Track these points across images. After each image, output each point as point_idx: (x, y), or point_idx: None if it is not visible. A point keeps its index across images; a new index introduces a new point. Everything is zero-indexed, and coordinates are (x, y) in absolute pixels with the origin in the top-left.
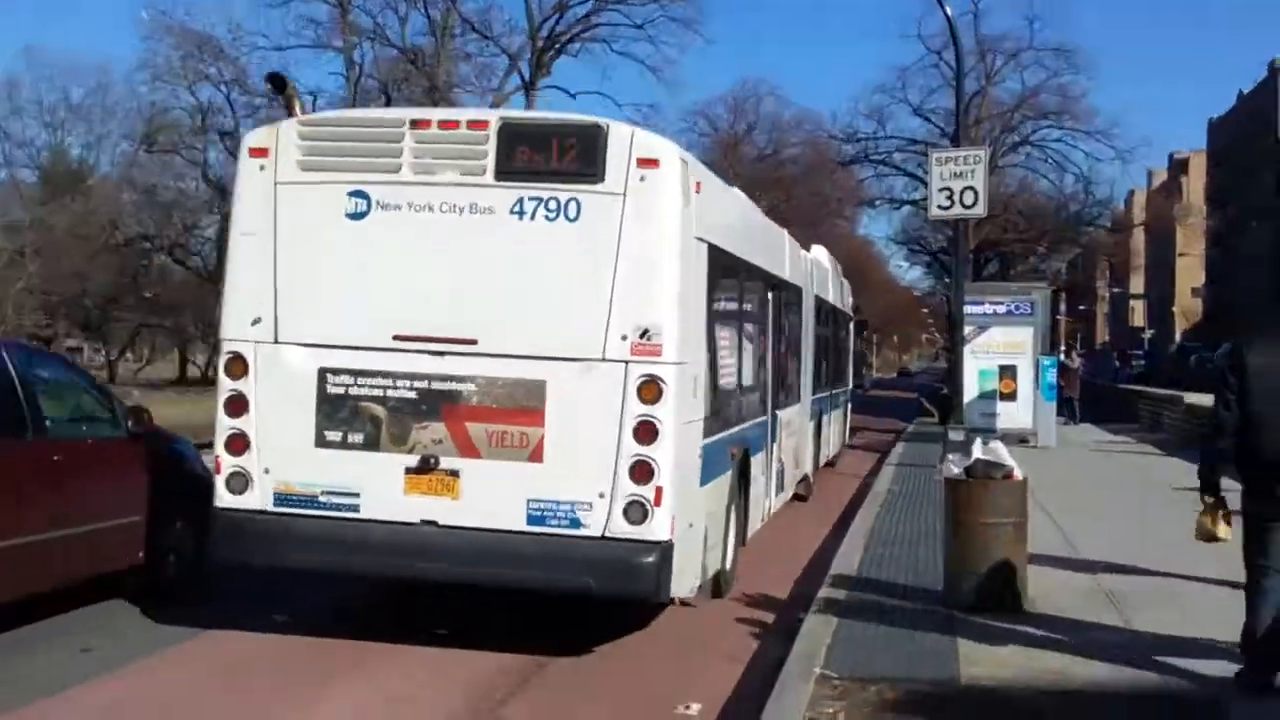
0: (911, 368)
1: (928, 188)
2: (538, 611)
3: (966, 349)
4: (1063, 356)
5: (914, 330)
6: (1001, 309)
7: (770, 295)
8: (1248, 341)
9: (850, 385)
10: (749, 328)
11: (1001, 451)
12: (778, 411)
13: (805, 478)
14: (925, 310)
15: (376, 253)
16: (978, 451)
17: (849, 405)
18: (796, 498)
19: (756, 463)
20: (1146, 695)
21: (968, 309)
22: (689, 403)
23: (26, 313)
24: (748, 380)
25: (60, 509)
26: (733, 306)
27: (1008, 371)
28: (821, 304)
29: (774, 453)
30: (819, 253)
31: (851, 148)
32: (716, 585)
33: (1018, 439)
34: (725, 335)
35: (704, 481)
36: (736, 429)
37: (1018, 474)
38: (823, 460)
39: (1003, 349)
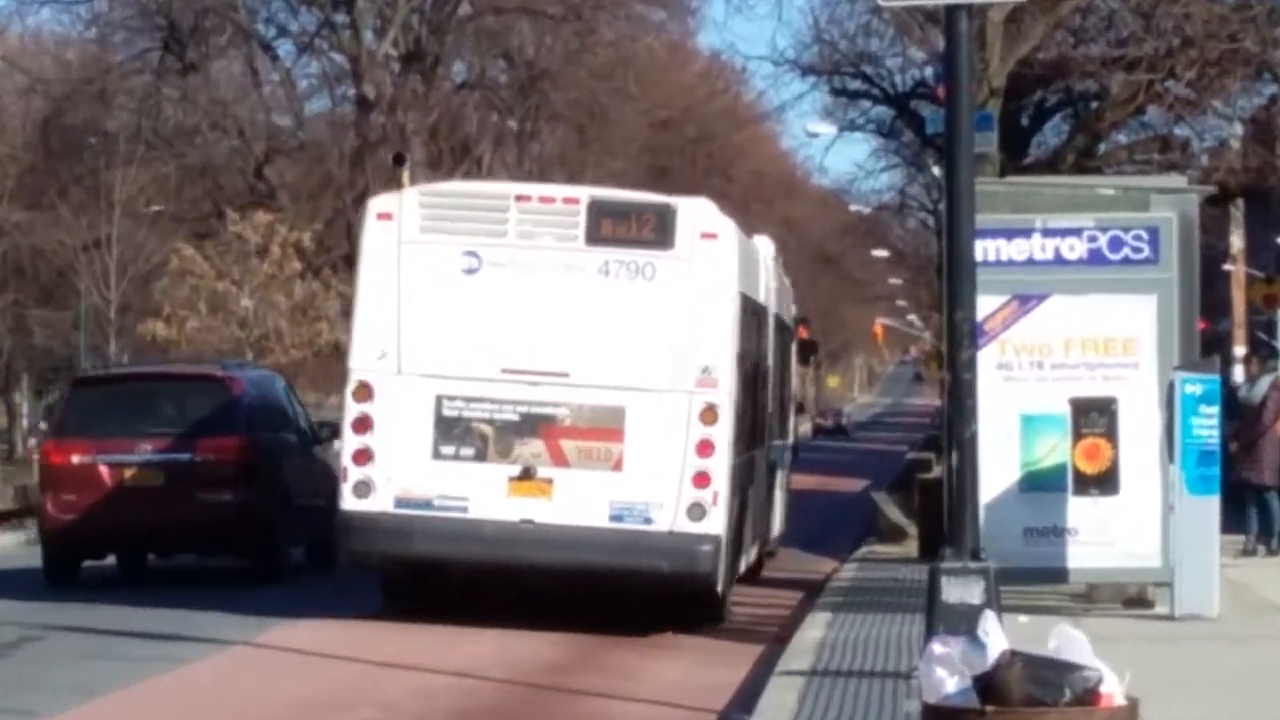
0: (844, 411)
1: None
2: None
3: (987, 353)
4: (1242, 373)
5: (850, 307)
6: (1078, 247)
7: (757, 327)
8: None
9: (792, 438)
10: (750, 362)
11: (1075, 641)
12: (754, 451)
13: (761, 543)
14: (881, 255)
15: (486, 301)
16: (997, 638)
17: (790, 468)
18: (749, 571)
19: (749, 496)
20: None
21: (987, 246)
22: (733, 427)
23: None
24: (748, 413)
25: (319, 487)
26: (746, 343)
27: (1092, 415)
28: (777, 323)
29: (750, 497)
30: (762, 247)
31: None
32: (720, 609)
33: (1122, 596)
34: (742, 370)
35: (731, 496)
36: (744, 457)
37: (1114, 693)
38: (772, 532)
39: (1082, 353)
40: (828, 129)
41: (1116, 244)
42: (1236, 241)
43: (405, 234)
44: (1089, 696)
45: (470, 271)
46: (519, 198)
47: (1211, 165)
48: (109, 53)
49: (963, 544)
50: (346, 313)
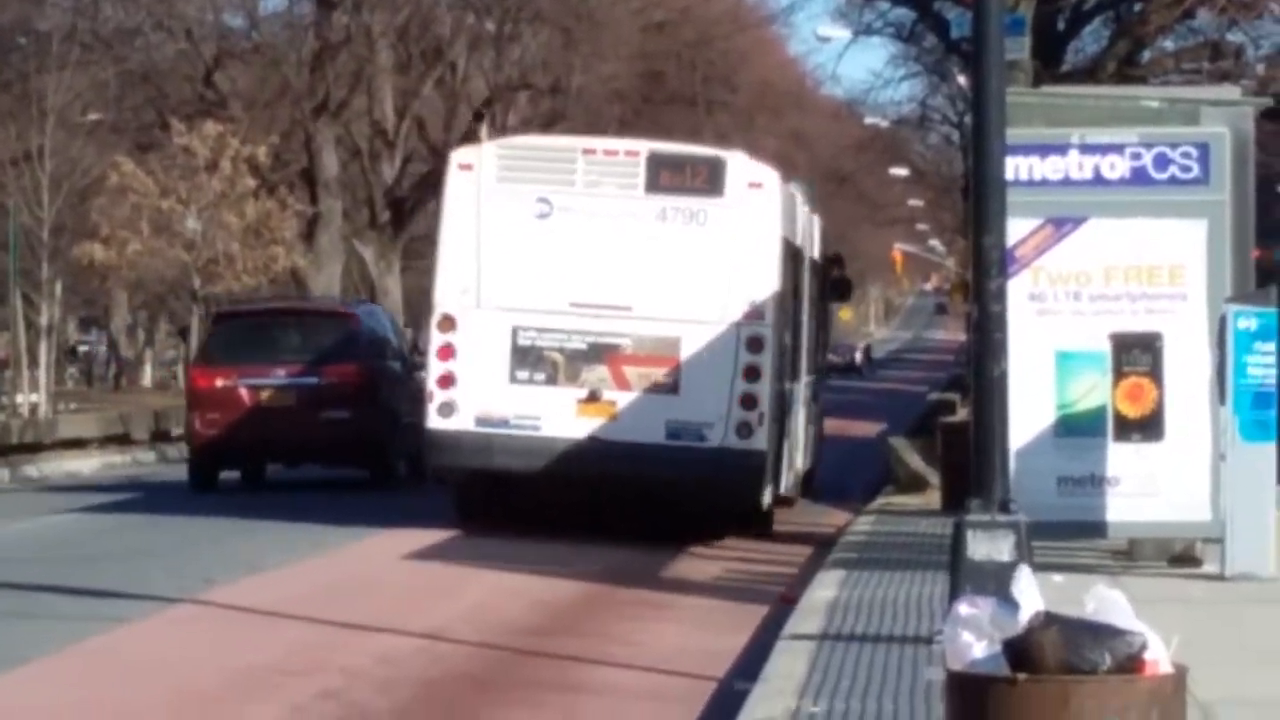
0: (864, 347)
1: None
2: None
3: (1018, 283)
4: None
5: (865, 231)
6: (1120, 165)
7: (795, 268)
8: None
9: (821, 372)
10: (789, 300)
11: (1113, 602)
12: (792, 383)
13: (797, 471)
14: (900, 174)
15: (557, 243)
16: (1031, 597)
17: (822, 403)
18: (783, 500)
19: (788, 423)
20: None
21: (1018, 164)
22: (776, 356)
23: None
24: (787, 346)
25: (417, 409)
26: (786, 282)
27: (1135, 353)
28: (812, 265)
29: (788, 424)
30: (798, 192)
31: None
32: (767, 522)
33: (1167, 553)
34: (783, 306)
35: (774, 420)
36: (783, 386)
37: (1160, 660)
38: (805, 464)
39: (1124, 284)
40: (841, 33)
41: (1162, 162)
42: None
43: (484, 183)
44: (1132, 664)
45: (542, 216)
46: (585, 150)
47: (1268, 74)
48: None
49: (990, 495)
50: (304, 235)
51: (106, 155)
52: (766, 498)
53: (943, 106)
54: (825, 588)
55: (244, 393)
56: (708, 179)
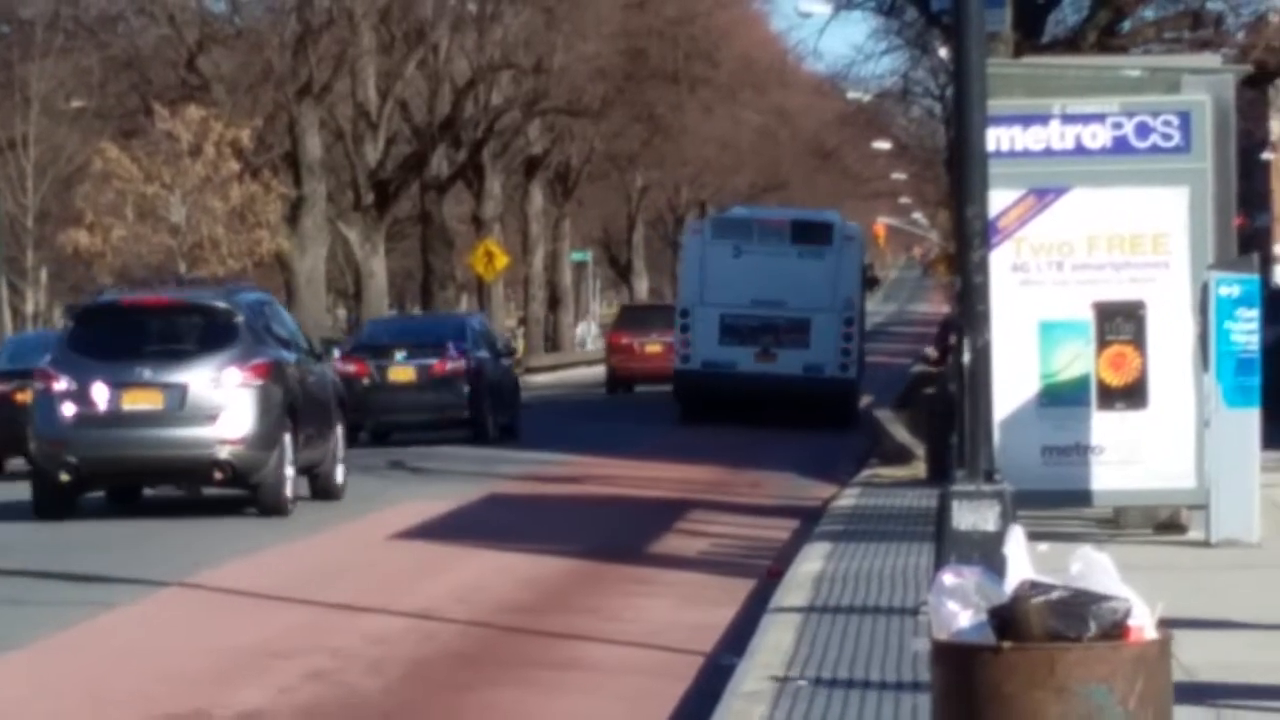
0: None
1: None
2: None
3: (1001, 254)
4: None
5: (848, 205)
6: (1101, 134)
7: (860, 277)
8: None
9: (864, 334)
10: (859, 296)
11: (1100, 565)
12: (861, 341)
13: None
14: (883, 147)
15: (744, 270)
16: (1023, 563)
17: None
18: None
19: (863, 364)
20: None
21: (1000, 135)
22: (857, 326)
23: None
24: (858, 321)
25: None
26: (860, 287)
27: (1118, 321)
28: (863, 270)
29: (861, 365)
30: (855, 231)
31: None
32: (856, 419)
33: (1153, 520)
34: (859, 300)
35: (855, 361)
36: (858, 342)
37: (1144, 624)
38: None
39: (1107, 253)
40: (822, 8)
41: (1144, 131)
42: (1277, 127)
43: (707, 239)
44: (1117, 630)
45: (736, 255)
46: (758, 221)
47: (1248, 42)
48: None
49: (975, 465)
50: (289, 218)
51: (90, 141)
52: (855, 404)
53: (925, 79)
54: (812, 560)
55: (635, 347)
56: (822, 234)
